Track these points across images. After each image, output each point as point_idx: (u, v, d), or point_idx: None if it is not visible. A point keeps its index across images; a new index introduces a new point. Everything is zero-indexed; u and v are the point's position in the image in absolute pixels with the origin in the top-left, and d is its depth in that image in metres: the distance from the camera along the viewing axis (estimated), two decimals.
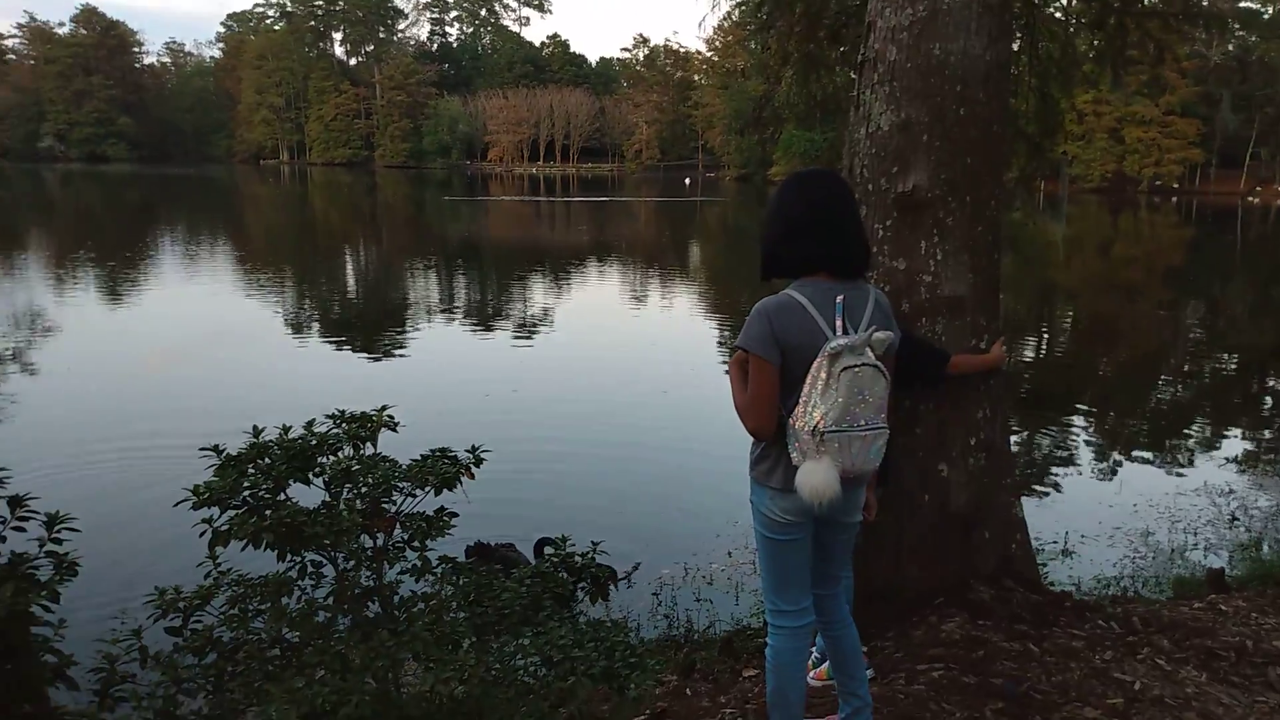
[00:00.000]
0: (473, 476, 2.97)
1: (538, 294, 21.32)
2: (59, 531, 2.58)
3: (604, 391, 11.82)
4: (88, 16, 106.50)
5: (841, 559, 2.90)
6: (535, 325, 16.66)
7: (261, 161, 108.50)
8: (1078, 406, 11.63)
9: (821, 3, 6.80)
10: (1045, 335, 17.38)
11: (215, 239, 33.79)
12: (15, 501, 2.69)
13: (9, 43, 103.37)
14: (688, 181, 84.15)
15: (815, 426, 2.45)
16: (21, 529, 2.76)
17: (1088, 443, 10.05)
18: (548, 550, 5.59)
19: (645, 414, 10.81)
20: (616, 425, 10.34)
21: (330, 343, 15.11)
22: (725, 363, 13.18)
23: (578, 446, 9.50)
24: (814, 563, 2.79)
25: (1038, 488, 8.42)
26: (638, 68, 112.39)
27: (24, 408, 10.53)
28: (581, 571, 2.87)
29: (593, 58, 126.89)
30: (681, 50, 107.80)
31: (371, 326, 16.59)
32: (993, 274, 3.93)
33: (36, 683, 2.63)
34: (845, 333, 2.53)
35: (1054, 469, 9.10)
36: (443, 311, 18.25)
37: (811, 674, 3.54)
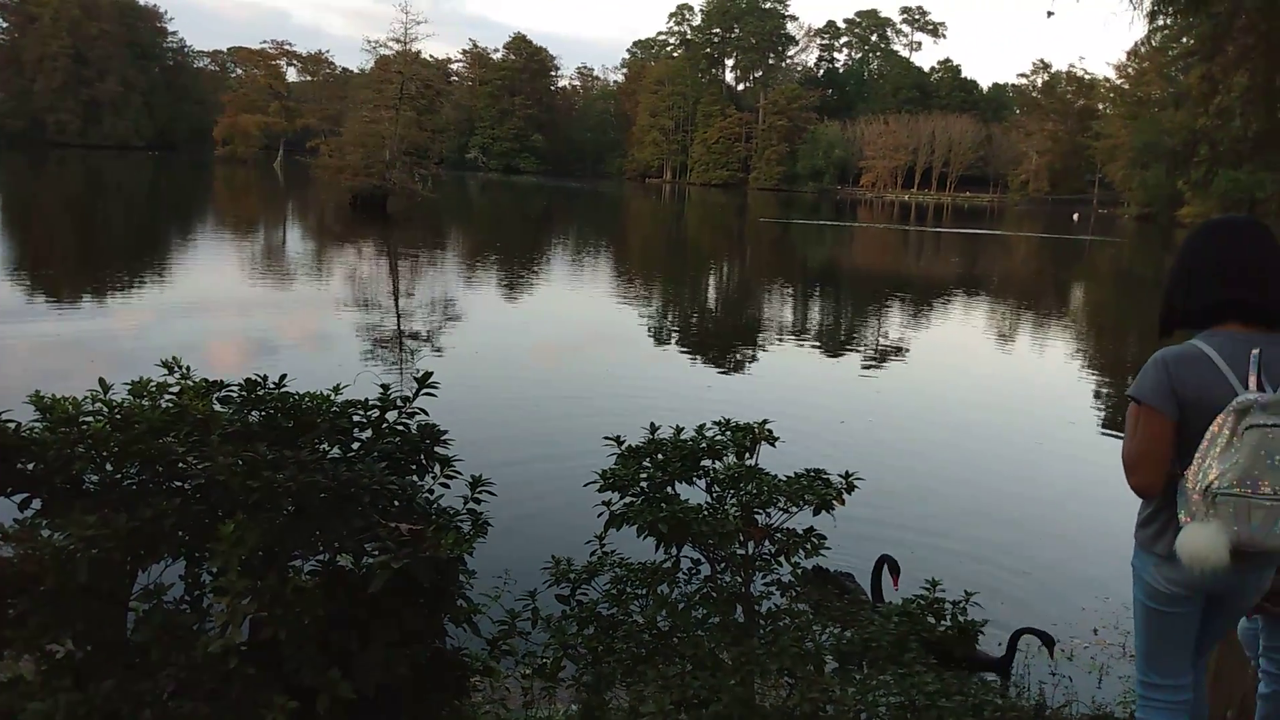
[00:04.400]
0: (843, 502, 2.96)
1: (895, 324, 20.73)
2: (479, 493, 2.94)
3: (966, 434, 11.19)
4: (517, 43, 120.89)
5: (1212, 643, 2.66)
6: (893, 356, 16.22)
7: (646, 179, 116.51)
8: None
9: None
10: None
11: (598, 248, 37.02)
12: (445, 461, 3.12)
13: (454, 66, 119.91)
14: (1075, 217, 77.70)
15: (1208, 486, 2.24)
16: (446, 486, 3.19)
17: None
18: (886, 576, 5.36)
19: (1011, 464, 10.10)
20: (976, 470, 9.76)
21: (687, 354, 15.84)
22: (1117, 420, 11.97)
23: (931, 485, 9.09)
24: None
25: None
26: (1034, 94, 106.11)
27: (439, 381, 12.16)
28: (951, 619, 2.73)
29: (985, 83, 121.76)
30: (1086, 77, 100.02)
31: (725, 342, 17.15)
32: None
33: (441, 623, 3.02)
34: (1260, 389, 2.27)
35: None
36: (795, 334, 18.39)
37: None
